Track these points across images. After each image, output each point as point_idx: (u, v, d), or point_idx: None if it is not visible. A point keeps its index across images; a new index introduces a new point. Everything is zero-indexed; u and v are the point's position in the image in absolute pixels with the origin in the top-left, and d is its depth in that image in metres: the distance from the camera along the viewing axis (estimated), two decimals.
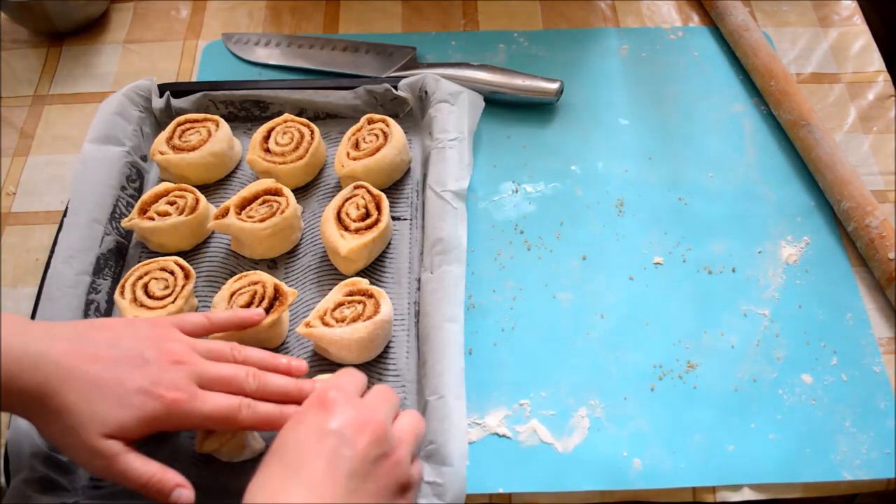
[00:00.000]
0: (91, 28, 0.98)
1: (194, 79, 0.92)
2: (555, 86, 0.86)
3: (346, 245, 0.70)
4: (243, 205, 0.74)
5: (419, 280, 0.73)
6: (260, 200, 0.74)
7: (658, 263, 0.76)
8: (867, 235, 0.74)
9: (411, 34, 0.95)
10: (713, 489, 0.64)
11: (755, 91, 0.88)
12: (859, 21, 0.95)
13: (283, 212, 0.73)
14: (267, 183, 0.75)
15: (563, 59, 0.92)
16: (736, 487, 0.64)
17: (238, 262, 0.76)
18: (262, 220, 0.72)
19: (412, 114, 0.85)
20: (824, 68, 0.91)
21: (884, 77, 0.89)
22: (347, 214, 0.73)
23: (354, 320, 0.66)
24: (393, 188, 0.79)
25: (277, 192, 0.75)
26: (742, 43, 0.89)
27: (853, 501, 0.69)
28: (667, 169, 0.83)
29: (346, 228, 0.72)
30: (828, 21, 0.95)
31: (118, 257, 0.76)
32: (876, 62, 0.91)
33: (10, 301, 0.76)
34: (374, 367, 0.69)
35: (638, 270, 0.76)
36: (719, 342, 0.71)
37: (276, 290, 0.69)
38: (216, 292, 0.73)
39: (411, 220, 0.78)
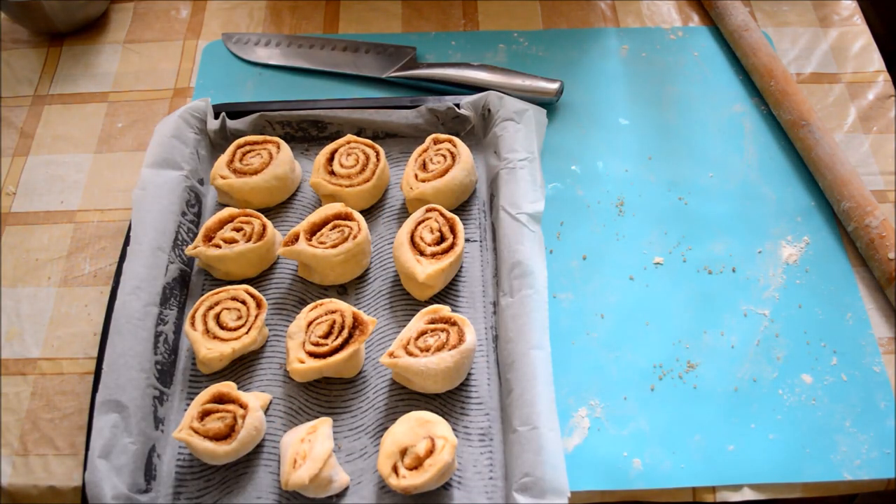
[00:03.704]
0: (91, 28, 0.98)
1: (194, 79, 0.92)
2: (555, 86, 0.86)
3: (424, 270, 0.68)
4: (313, 230, 0.72)
5: (494, 304, 0.72)
6: (330, 225, 0.72)
7: (658, 263, 0.76)
8: (867, 235, 0.74)
9: (411, 34, 0.95)
10: (713, 489, 0.64)
11: (755, 91, 0.88)
12: (859, 21, 0.95)
13: (355, 237, 0.71)
14: (337, 207, 0.73)
15: (563, 59, 0.92)
16: (736, 487, 0.64)
17: (306, 288, 0.74)
18: (333, 246, 0.70)
19: (474, 132, 0.83)
20: (824, 68, 0.91)
21: (884, 77, 0.89)
22: (422, 238, 0.71)
23: (439, 349, 0.64)
24: (460, 209, 0.78)
25: (348, 217, 0.73)
26: (742, 43, 0.89)
27: (853, 501, 0.70)
28: (667, 169, 0.83)
29: (422, 253, 0.70)
30: (828, 21, 0.95)
31: (182, 286, 0.74)
32: (876, 62, 0.91)
33: (10, 301, 0.76)
34: (455, 395, 0.67)
35: (638, 270, 0.76)
36: (719, 342, 0.71)
37: (355, 318, 0.67)
38: (285, 320, 0.72)
39: (481, 241, 0.76)
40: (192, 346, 0.68)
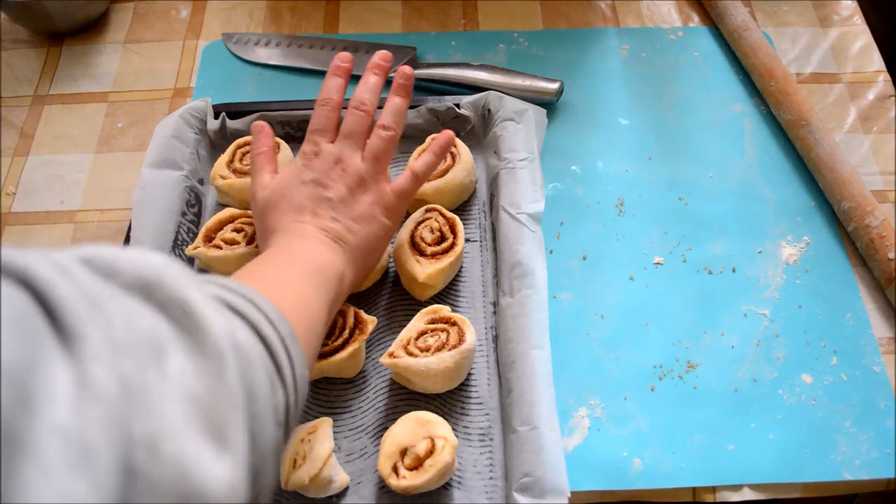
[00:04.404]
0: (91, 28, 0.98)
1: (194, 79, 0.92)
2: (555, 86, 0.86)
3: (424, 271, 0.68)
4: None
5: (494, 304, 0.72)
6: None
7: (658, 263, 0.76)
8: (867, 235, 0.74)
9: (411, 34, 0.95)
10: (713, 489, 0.64)
11: (755, 91, 0.88)
12: (859, 21, 0.95)
13: None
14: None
15: (563, 59, 0.92)
16: (736, 487, 0.64)
17: None
18: None
19: (474, 132, 0.83)
20: (824, 68, 0.91)
21: (884, 77, 0.89)
22: (422, 239, 0.71)
23: (439, 349, 0.64)
24: (460, 209, 0.78)
25: None
26: (742, 43, 0.89)
27: (853, 501, 0.69)
28: (667, 169, 0.83)
29: (422, 253, 0.70)
30: (828, 21, 0.95)
31: None
32: (876, 62, 0.91)
33: None
34: (455, 395, 0.67)
35: (638, 270, 0.76)
36: (719, 342, 0.71)
37: (356, 318, 0.67)
38: None
39: (481, 241, 0.76)
40: None
